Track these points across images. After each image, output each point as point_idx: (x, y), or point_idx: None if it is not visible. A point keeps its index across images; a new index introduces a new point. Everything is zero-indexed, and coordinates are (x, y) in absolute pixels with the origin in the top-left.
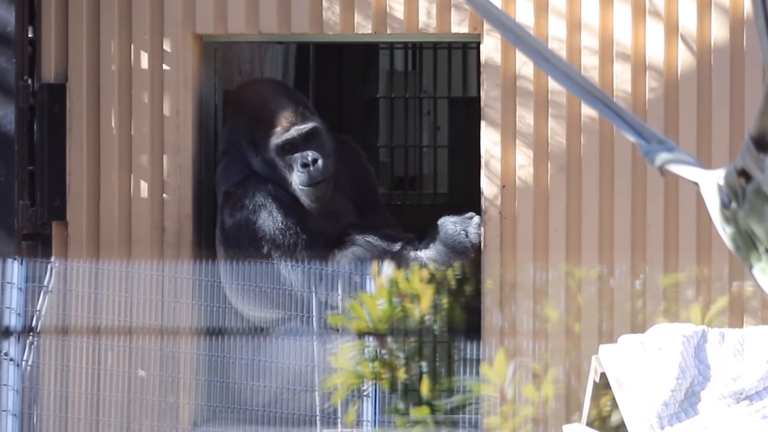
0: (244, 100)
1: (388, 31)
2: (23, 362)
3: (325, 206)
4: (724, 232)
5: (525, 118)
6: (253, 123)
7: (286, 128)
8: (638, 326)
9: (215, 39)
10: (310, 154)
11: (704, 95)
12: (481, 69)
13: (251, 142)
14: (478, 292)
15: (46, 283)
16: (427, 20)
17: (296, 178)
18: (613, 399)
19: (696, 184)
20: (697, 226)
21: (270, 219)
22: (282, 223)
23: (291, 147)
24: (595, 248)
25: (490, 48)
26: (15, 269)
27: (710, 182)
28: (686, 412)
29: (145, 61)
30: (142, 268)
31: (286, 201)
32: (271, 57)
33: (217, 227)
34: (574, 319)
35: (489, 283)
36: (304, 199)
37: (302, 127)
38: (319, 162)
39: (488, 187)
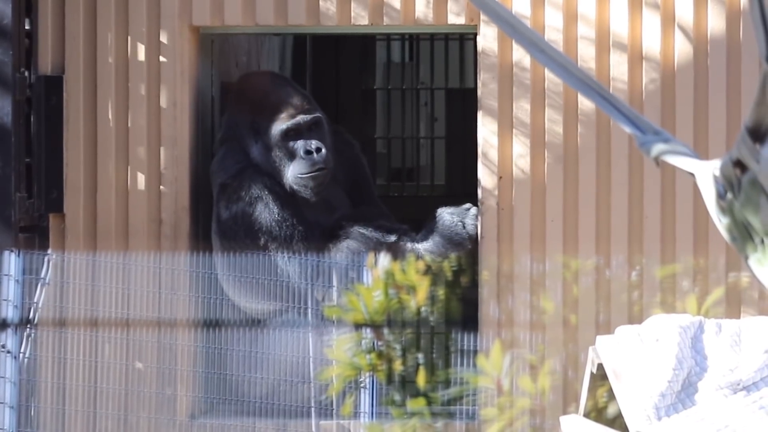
0: (247, 89)
1: (385, 23)
2: (20, 354)
3: (321, 198)
4: (720, 222)
5: (522, 109)
6: (257, 109)
7: (293, 115)
8: (635, 317)
9: (212, 31)
10: (314, 143)
11: (701, 86)
12: (478, 60)
13: (252, 129)
14: (474, 284)
15: (43, 275)
16: (424, 11)
17: (296, 166)
18: (610, 390)
19: (692, 174)
20: (693, 217)
21: (266, 211)
22: (278, 214)
23: (295, 134)
24: (591, 239)
25: (487, 39)
26: (12, 261)
27: (706, 173)
28: (683, 402)
29: (141, 53)
30: (139, 260)
31: (282, 193)
32: (267, 49)
33: (213, 219)
34: (571, 310)
35: (485, 275)
36: (301, 188)
37: (308, 115)
38: (323, 151)
39: (485, 178)
